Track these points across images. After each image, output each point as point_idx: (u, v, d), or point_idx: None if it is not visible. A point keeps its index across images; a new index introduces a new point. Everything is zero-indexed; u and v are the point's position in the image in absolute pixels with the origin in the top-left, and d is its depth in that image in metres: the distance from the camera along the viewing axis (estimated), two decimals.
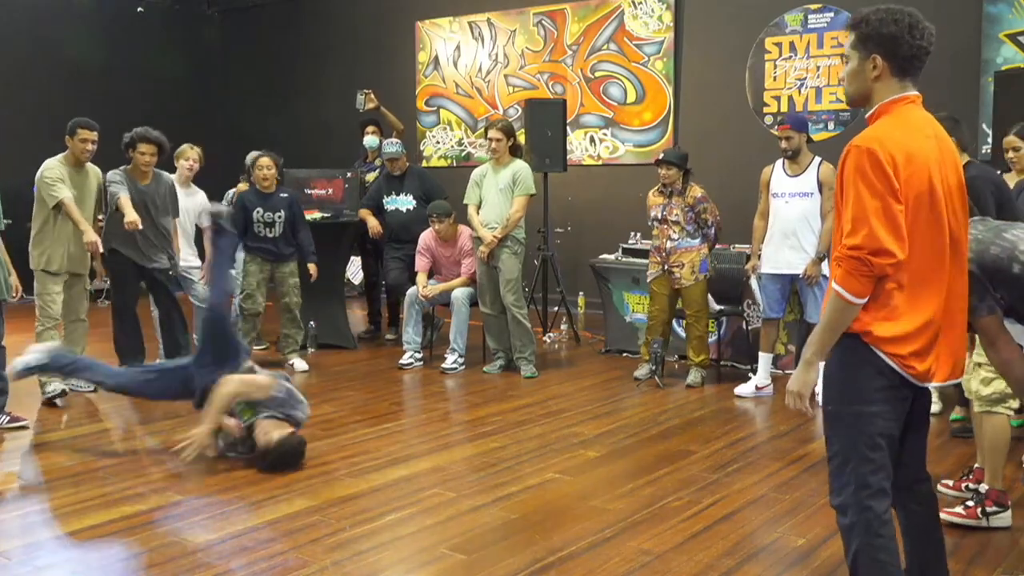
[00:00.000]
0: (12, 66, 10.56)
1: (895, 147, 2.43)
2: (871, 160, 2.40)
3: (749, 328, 6.84)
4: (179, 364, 5.21)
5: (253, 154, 7.89)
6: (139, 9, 11.91)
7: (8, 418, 5.41)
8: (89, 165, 6.09)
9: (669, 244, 6.38)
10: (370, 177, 8.23)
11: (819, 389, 2.71)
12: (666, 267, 6.41)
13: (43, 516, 3.97)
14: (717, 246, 6.69)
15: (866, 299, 2.45)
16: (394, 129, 8.56)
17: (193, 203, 6.88)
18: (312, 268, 7.02)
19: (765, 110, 8.80)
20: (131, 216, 5.90)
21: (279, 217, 6.92)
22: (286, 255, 7.00)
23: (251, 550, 3.60)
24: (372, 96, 8.77)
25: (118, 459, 4.85)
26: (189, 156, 6.95)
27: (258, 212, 6.87)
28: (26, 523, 3.90)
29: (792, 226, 5.92)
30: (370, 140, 8.35)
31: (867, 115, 2.60)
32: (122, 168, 6.20)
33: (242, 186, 7.67)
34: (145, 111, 11.47)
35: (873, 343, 2.47)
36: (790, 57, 8.63)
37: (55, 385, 5.93)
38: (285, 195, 7.01)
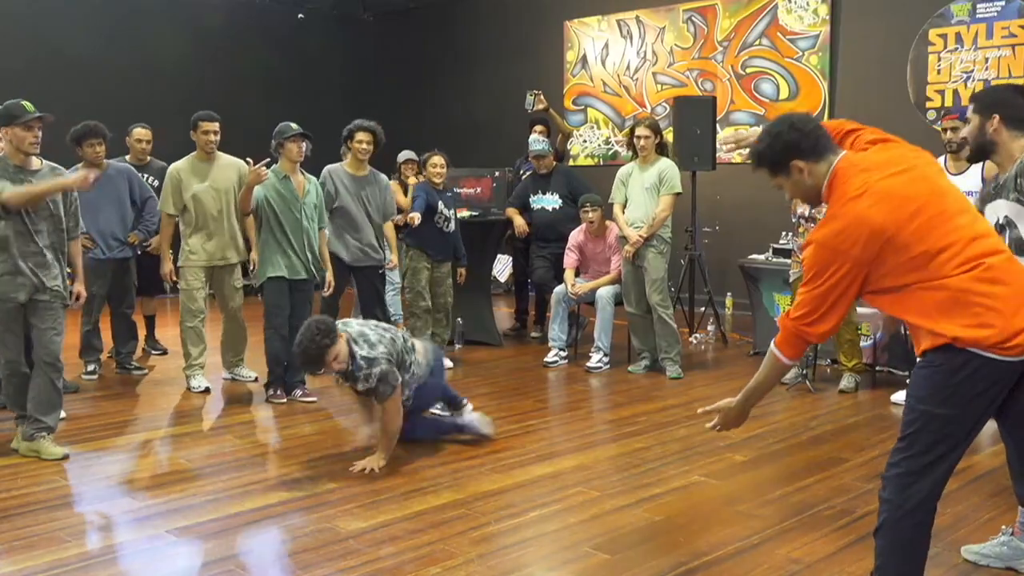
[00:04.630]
0: (183, 73, 11.18)
1: None
2: None
3: (907, 332, 6.54)
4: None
5: (404, 153, 8.10)
6: (300, 16, 12.42)
7: (302, 392, 5.97)
8: (228, 157, 6.23)
9: None
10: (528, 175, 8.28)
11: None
12: None
13: (207, 499, 4.19)
14: None
15: None
16: (560, 132, 8.58)
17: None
18: (464, 271, 7.13)
19: (928, 105, 8.41)
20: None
21: (453, 214, 6.99)
22: (449, 253, 7.03)
23: (399, 539, 3.70)
24: (541, 97, 8.78)
25: (277, 446, 5.10)
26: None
27: (440, 204, 6.90)
28: (191, 504, 4.12)
29: None
30: (534, 139, 8.40)
31: None
32: (340, 163, 6.43)
33: (393, 184, 7.86)
34: (303, 113, 12.01)
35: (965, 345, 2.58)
36: (956, 49, 8.21)
37: (199, 380, 6.20)
38: (450, 195, 7.13)
